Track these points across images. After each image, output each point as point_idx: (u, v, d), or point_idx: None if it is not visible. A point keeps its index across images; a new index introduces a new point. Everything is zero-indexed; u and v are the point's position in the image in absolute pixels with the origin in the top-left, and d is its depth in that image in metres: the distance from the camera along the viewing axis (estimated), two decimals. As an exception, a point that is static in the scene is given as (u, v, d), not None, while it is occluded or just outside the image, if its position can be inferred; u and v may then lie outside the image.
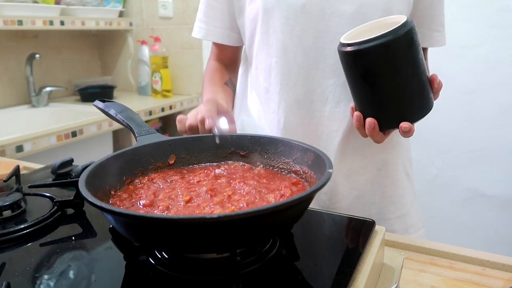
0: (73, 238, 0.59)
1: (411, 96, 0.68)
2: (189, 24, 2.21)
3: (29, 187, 0.72)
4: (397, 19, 0.67)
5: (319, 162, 0.55)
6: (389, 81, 0.66)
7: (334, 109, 0.82)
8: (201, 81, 1.20)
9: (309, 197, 0.47)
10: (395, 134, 0.83)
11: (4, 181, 0.77)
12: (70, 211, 0.67)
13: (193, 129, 0.75)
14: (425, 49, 0.91)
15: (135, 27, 2.33)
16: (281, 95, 0.84)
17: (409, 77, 0.67)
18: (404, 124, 0.67)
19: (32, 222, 0.61)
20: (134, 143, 0.64)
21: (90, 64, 2.39)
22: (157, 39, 2.21)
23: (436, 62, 1.73)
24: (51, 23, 1.83)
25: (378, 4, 0.77)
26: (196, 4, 2.15)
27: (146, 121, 0.92)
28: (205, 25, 0.95)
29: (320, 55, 0.80)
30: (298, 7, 0.78)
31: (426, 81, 0.68)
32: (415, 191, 1.02)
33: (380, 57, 0.65)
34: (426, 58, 0.92)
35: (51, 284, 0.49)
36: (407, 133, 0.69)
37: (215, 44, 0.99)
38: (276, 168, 0.64)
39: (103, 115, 0.74)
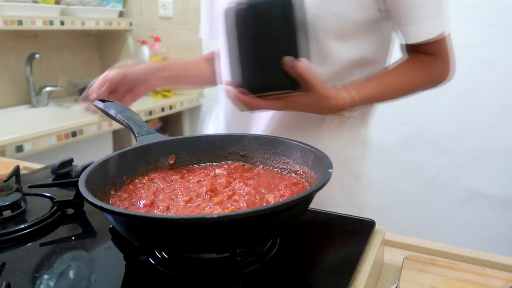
0: (73, 238, 0.59)
1: (258, 65, 0.71)
2: (189, 24, 2.21)
3: (29, 187, 0.72)
4: None
5: (319, 162, 0.55)
6: (249, 43, 0.70)
7: None
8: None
9: (309, 197, 0.47)
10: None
11: (4, 181, 0.77)
12: (70, 211, 0.67)
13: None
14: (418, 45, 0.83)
15: (135, 27, 2.33)
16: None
17: (266, 45, 0.70)
18: (227, 87, 0.72)
19: (32, 222, 0.61)
20: (134, 143, 0.64)
21: (90, 64, 2.39)
22: (157, 39, 2.22)
23: (436, 62, 1.74)
24: (51, 23, 1.83)
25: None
26: (196, 4, 2.16)
27: (146, 121, 0.92)
28: (210, 25, 0.95)
29: None
30: None
31: (273, 59, 0.69)
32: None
33: (249, 16, 0.69)
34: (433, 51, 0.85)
35: (51, 284, 0.49)
36: (236, 101, 0.71)
37: None
38: (276, 168, 0.64)
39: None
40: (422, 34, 0.80)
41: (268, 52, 0.70)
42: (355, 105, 0.78)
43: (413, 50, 0.86)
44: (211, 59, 1.03)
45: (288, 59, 0.69)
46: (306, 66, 0.69)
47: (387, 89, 0.83)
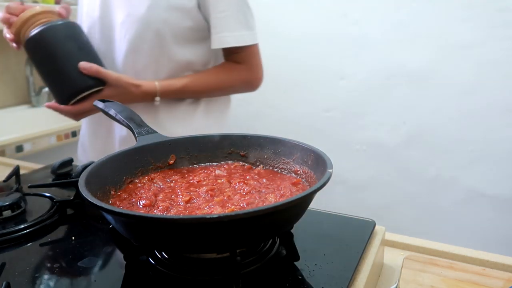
0: (73, 238, 0.59)
1: (61, 78, 0.90)
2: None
3: (29, 187, 0.72)
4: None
5: (319, 162, 0.55)
6: (47, 63, 0.90)
7: None
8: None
9: (309, 197, 0.47)
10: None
11: (4, 181, 0.77)
12: (70, 211, 0.67)
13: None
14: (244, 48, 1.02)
15: (135, 27, 2.33)
16: None
17: (62, 60, 0.89)
18: (48, 104, 0.94)
19: (32, 222, 0.61)
20: (134, 143, 0.64)
21: (90, 64, 2.38)
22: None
23: (436, 62, 1.74)
24: (51, 23, 1.83)
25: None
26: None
27: (146, 121, 0.96)
28: None
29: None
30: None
31: (72, 67, 0.88)
32: None
33: (40, 42, 0.88)
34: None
35: (51, 284, 0.49)
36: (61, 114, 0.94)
37: None
38: (276, 168, 0.64)
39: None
40: (220, 42, 0.99)
41: (65, 65, 0.89)
42: (164, 94, 0.98)
43: (227, 58, 1.06)
44: None
45: (82, 64, 0.88)
46: (98, 66, 0.90)
47: (194, 86, 1.02)
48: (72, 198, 0.67)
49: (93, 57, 0.92)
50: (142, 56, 0.99)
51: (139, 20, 0.96)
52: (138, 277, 0.49)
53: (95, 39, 1.02)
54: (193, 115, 1.08)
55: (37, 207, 0.67)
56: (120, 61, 1.01)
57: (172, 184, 0.59)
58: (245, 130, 1.17)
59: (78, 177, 0.51)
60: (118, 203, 0.54)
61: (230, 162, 0.67)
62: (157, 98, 0.98)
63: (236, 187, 0.57)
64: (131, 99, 0.95)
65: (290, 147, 0.62)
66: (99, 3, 1.01)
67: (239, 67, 1.05)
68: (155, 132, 0.67)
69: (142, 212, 0.51)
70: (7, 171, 0.80)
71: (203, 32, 1.02)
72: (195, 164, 0.67)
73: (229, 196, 0.53)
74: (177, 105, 1.05)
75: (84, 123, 1.17)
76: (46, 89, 1.96)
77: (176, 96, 1.02)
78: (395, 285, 0.54)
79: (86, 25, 1.04)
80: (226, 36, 0.98)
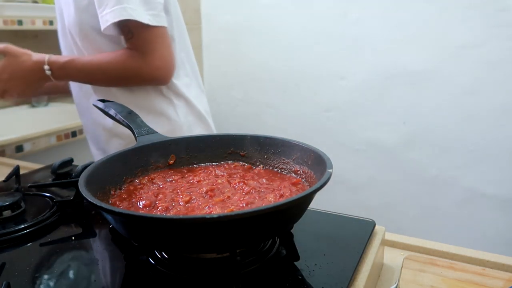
0: (73, 238, 0.59)
1: None
2: (188, 24, 2.20)
3: (29, 187, 0.72)
4: None
5: (319, 162, 0.55)
6: None
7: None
8: (201, 81, 1.21)
9: (309, 197, 0.47)
10: None
11: (4, 181, 0.77)
12: (70, 211, 0.67)
13: None
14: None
15: (135, 27, 2.33)
16: None
17: None
18: None
19: (32, 222, 0.61)
20: (134, 143, 0.64)
21: (90, 64, 2.38)
22: (157, 39, 2.21)
23: (436, 62, 1.74)
24: (51, 23, 1.83)
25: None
26: (196, 4, 2.16)
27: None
28: None
29: None
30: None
31: None
32: None
33: None
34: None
35: (51, 284, 0.49)
36: None
37: None
38: (276, 168, 0.64)
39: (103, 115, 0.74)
40: (103, 22, 0.91)
41: None
42: (52, 64, 0.97)
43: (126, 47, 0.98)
44: None
45: None
46: None
47: (79, 62, 0.98)
48: (72, 198, 0.67)
49: None
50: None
51: (73, 27, 1.00)
52: (138, 277, 0.49)
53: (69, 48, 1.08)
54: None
55: (37, 207, 0.67)
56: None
57: (172, 184, 0.59)
58: (245, 130, 1.17)
59: (78, 177, 0.51)
60: (118, 203, 0.54)
61: (230, 162, 0.67)
62: (46, 67, 0.96)
63: (236, 187, 0.56)
64: (22, 68, 0.97)
65: (290, 147, 0.62)
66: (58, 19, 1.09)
67: (128, 52, 0.95)
68: (155, 132, 0.67)
69: (142, 212, 0.51)
70: (7, 171, 0.80)
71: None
72: (195, 164, 0.67)
73: (229, 196, 0.53)
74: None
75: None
76: (46, 89, 1.97)
77: (65, 73, 0.99)
78: (395, 285, 0.54)
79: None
80: (105, 14, 0.90)
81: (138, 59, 0.94)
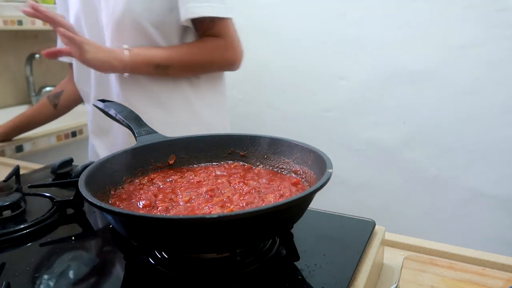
0: (73, 238, 0.59)
1: None
2: (189, 24, 2.20)
3: (29, 187, 0.72)
4: None
5: (319, 162, 0.55)
6: None
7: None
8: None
9: (309, 197, 0.47)
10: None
11: (4, 181, 0.77)
12: (70, 211, 0.67)
13: None
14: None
15: (135, 27, 2.33)
16: None
17: None
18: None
19: (32, 222, 0.61)
20: (134, 143, 0.64)
21: (90, 64, 2.38)
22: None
23: (436, 62, 1.74)
24: (51, 23, 1.83)
25: None
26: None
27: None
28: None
29: None
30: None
31: None
32: None
33: None
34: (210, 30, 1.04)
35: (51, 284, 0.49)
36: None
37: None
38: (276, 168, 0.64)
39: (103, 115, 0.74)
40: (187, 12, 0.97)
41: None
42: (133, 55, 0.97)
43: (202, 34, 1.05)
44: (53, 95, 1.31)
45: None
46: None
47: (164, 56, 1.00)
48: (72, 198, 0.67)
49: None
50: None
51: (120, 15, 0.99)
52: (138, 277, 0.49)
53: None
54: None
55: (37, 207, 0.67)
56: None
57: (172, 184, 0.59)
58: (245, 130, 1.18)
59: (78, 177, 0.51)
60: (118, 203, 0.54)
61: (230, 162, 0.67)
62: (126, 52, 0.97)
63: (236, 187, 0.57)
64: (104, 54, 0.96)
65: (290, 147, 0.62)
66: (80, 5, 1.06)
67: (216, 39, 1.04)
68: (155, 132, 0.67)
69: (142, 212, 0.51)
70: (7, 171, 0.80)
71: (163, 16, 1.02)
72: (195, 164, 0.67)
73: (229, 196, 0.53)
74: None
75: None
76: (46, 89, 1.97)
77: (147, 62, 1.00)
78: (395, 285, 0.54)
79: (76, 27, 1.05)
80: (192, 6, 0.98)
81: (226, 45, 1.05)
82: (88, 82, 1.14)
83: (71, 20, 1.10)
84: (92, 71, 1.10)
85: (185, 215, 0.49)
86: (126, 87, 1.05)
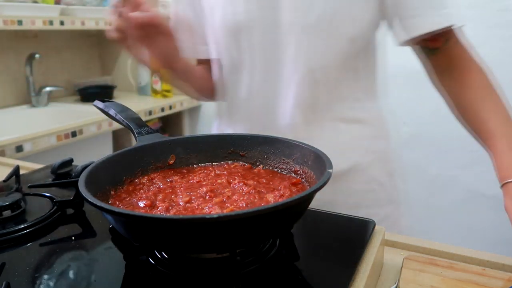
0: (73, 238, 0.59)
1: None
2: (189, 24, 2.20)
3: (29, 187, 0.72)
4: None
5: (319, 162, 0.55)
6: None
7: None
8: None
9: (309, 197, 0.47)
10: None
11: (4, 181, 0.77)
12: (70, 211, 0.67)
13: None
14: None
15: (135, 27, 2.33)
16: None
17: None
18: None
19: (32, 222, 0.61)
20: (134, 143, 0.64)
21: (89, 64, 2.39)
22: (157, 39, 2.21)
23: (436, 62, 1.74)
24: (51, 23, 1.83)
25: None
26: (196, 4, 2.15)
27: (146, 121, 0.92)
28: (194, 42, 0.98)
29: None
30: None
31: None
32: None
33: None
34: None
35: (51, 284, 0.49)
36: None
37: None
38: (276, 168, 0.64)
39: (103, 115, 0.74)
40: (418, 28, 0.78)
41: None
42: None
43: (437, 61, 0.88)
44: (205, 66, 1.00)
45: None
46: None
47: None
48: (72, 198, 0.67)
49: None
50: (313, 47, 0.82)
51: (314, 20, 0.79)
52: (138, 277, 0.49)
53: (250, 43, 0.83)
54: None
55: (37, 207, 0.67)
56: (291, 59, 0.82)
57: (172, 184, 0.59)
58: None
59: (78, 177, 0.51)
60: (118, 203, 0.54)
61: (230, 162, 0.67)
62: None
63: (236, 187, 0.56)
64: None
65: (290, 147, 0.62)
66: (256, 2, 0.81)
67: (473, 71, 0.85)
68: (155, 132, 0.67)
69: (142, 212, 0.51)
70: (7, 171, 0.80)
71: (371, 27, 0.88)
72: (195, 164, 0.67)
73: (229, 196, 0.53)
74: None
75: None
76: (46, 89, 1.97)
77: None
78: (395, 285, 0.54)
79: (229, 28, 0.84)
80: (416, 22, 0.78)
81: (476, 69, 0.88)
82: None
83: (224, 19, 0.85)
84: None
85: (185, 215, 0.49)
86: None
